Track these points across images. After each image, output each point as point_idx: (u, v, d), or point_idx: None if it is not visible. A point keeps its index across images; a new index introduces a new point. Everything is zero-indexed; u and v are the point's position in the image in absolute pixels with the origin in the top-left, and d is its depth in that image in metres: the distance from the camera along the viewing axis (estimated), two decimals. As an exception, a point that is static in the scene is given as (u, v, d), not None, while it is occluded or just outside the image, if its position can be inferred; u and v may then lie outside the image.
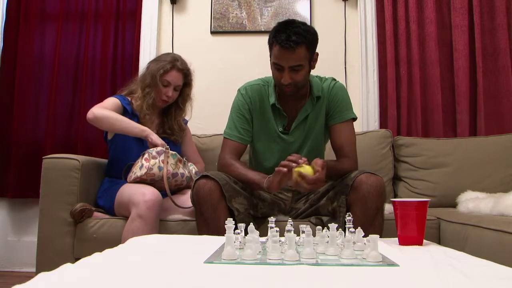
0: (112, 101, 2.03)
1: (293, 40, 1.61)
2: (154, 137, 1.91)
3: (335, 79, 1.88)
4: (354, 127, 2.76)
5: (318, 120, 1.82)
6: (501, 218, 1.59)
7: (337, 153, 1.78)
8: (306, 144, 1.82)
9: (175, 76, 2.04)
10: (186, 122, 2.26)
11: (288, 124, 1.82)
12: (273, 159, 1.81)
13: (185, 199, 1.88)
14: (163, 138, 1.99)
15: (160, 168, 1.85)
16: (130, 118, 1.99)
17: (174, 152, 1.92)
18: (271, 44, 1.69)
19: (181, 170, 1.93)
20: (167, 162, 1.87)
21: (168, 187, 1.84)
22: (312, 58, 1.72)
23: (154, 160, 1.85)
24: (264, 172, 1.82)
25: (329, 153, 1.99)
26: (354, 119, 1.84)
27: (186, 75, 2.10)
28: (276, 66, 1.68)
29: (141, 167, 1.85)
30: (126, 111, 2.03)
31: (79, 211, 1.80)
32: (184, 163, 1.97)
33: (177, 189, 1.98)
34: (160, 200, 1.76)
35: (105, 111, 1.93)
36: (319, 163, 1.51)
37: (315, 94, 1.80)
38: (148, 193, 1.73)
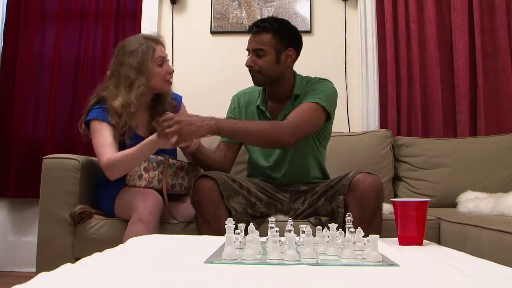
0: (104, 131, 1.76)
1: (258, 25, 1.75)
2: (164, 145, 1.64)
3: (323, 79, 1.85)
4: (353, 127, 2.76)
5: None
6: (501, 218, 1.59)
7: None
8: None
9: (162, 50, 1.87)
10: (181, 98, 2.03)
11: None
12: (263, 158, 1.86)
13: (184, 207, 1.86)
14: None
15: (159, 181, 1.80)
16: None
17: (173, 162, 1.85)
18: None
19: (179, 181, 1.87)
20: (166, 174, 1.81)
21: (167, 199, 1.78)
22: (282, 50, 1.75)
23: (154, 172, 1.79)
24: (262, 171, 1.87)
25: (329, 155, 1.99)
26: (326, 111, 1.73)
27: (164, 46, 1.92)
28: (248, 52, 1.79)
29: (140, 177, 1.77)
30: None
31: (78, 214, 1.79)
32: (187, 170, 1.92)
33: (176, 195, 1.92)
34: (161, 204, 1.72)
35: (114, 160, 1.69)
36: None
37: (294, 92, 1.81)
38: (149, 197, 1.70)
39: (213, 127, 1.56)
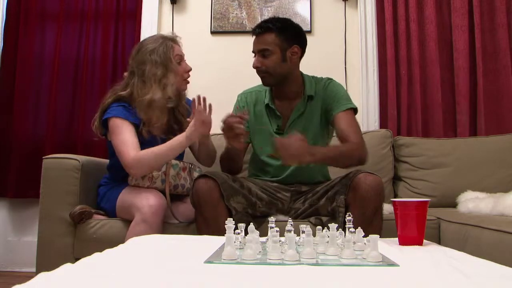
0: (126, 129, 1.77)
1: (261, 26, 1.78)
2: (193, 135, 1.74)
3: (331, 79, 1.90)
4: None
5: (314, 120, 1.82)
6: (501, 218, 1.59)
7: (343, 141, 1.76)
8: None
9: (179, 49, 1.91)
10: (190, 102, 1.93)
11: (283, 124, 1.84)
12: (272, 158, 1.83)
13: (185, 207, 1.86)
14: (169, 138, 1.83)
15: (162, 181, 1.80)
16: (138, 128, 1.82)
17: (176, 162, 1.85)
18: None
19: (182, 181, 1.87)
20: (169, 174, 1.81)
21: (169, 200, 1.78)
22: (286, 48, 1.77)
23: (158, 172, 1.79)
24: (267, 171, 1.87)
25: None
26: (355, 110, 1.82)
27: (180, 46, 1.95)
28: (254, 54, 1.81)
29: (143, 176, 1.78)
30: (136, 127, 1.81)
31: (78, 214, 1.79)
32: (190, 170, 1.92)
33: (178, 195, 1.92)
34: (165, 205, 1.72)
35: (141, 156, 1.71)
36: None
37: (307, 93, 1.82)
38: (152, 197, 1.70)
39: (311, 159, 1.58)
